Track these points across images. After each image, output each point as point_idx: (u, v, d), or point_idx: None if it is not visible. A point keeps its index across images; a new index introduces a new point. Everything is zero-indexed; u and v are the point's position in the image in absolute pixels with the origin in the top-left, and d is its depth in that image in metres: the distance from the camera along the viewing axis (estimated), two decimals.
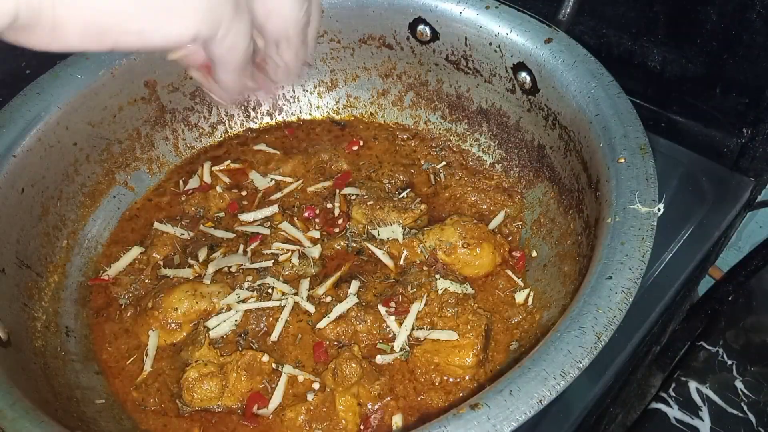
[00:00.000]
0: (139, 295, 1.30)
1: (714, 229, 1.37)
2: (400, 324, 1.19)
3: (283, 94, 1.61)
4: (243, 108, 1.60)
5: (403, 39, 1.48)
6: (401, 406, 1.14)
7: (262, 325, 1.21)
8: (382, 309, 1.21)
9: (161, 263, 1.34)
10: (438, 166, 1.50)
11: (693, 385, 1.27)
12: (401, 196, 1.40)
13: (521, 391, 0.83)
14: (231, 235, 1.37)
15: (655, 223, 0.99)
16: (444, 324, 1.18)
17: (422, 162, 1.52)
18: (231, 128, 1.60)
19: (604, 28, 1.51)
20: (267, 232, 1.36)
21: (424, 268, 1.27)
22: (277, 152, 1.56)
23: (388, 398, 1.14)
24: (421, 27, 1.43)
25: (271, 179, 1.47)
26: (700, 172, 1.46)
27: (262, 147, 1.57)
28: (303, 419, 1.10)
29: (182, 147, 1.55)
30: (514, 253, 1.32)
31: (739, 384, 1.26)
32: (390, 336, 1.20)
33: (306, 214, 1.39)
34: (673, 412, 1.24)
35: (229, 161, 1.52)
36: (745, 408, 1.23)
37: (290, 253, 1.31)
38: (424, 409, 1.14)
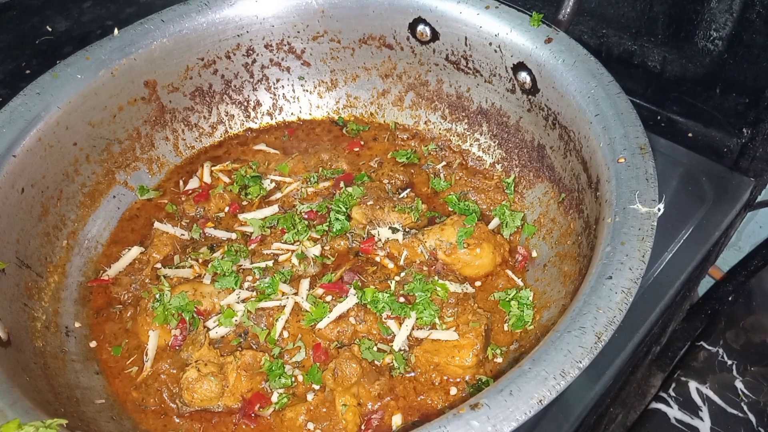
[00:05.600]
0: (139, 295, 1.30)
1: (714, 229, 1.37)
2: (400, 324, 1.19)
3: (283, 94, 1.61)
4: (243, 108, 1.60)
5: (403, 39, 1.48)
6: (401, 406, 1.14)
7: (262, 325, 1.22)
8: None
9: (161, 263, 1.34)
10: (438, 166, 1.50)
11: (693, 385, 1.27)
12: (401, 196, 1.40)
13: (521, 391, 0.83)
14: (231, 235, 1.37)
15: (655, 223, 0.99)
16: (444, 324, 1.19)
17: (422, 162, 1.52)
18: (231, 128, 1.60)
19: (604, 28, 1.51)
20: (267, 232, 1.36)
21: (424, 268, 1.27)
22: (277, 152, 1.56)
23: (388, 398, 1.14)
24: (421, 27, 1.44)
25: (271, 180, 1.47)
26: (700, 172, 1.46)
27: (262, 147, 1.57)
28: (303, 419, 1.10)
29: (182, 147, 1.55)
30: (518, 253, 1.32)
31: (739, 384, 1.26)
32: (390, 336, 1.20)
33: (306, 215, 1.39)
34: (673, 412, 1.24)
35: (229, 161, 1.52)
36: (745, 408, 1.23)
37: (290, 253, 1.31)
38: (424, 409, 1.14)
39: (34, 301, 1.23)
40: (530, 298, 1.23)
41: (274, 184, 1.47)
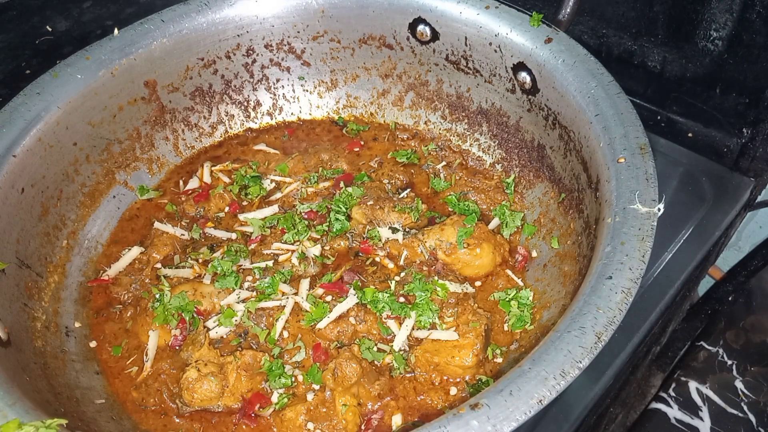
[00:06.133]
0: (139, 295, 1.30)
1: (714, 229, 1.37)
2: (400, 324, 1.19)
3: (283, 94, 1.61)
4: (243, 108, 1.60)
5: (403, 39, 1.48)
6: (401, 406, 1.14)
7: (262, 325, 1.21)
8: None
9: (161, 263, 1.34)
10: (438, 166, 1.50)
11: (693, 385, 1.27)
12: (401, 196, 1.40)
13: (521, 391, 0.83)
14: (231, 235, 1.37)
15: (655, 223, 0.99)
16: (444, 324, 1.19)
17: (422, 162, 1.52)
18: (231, 128, 1.60)
19: (604, 28, 1.51)
20: (267, 232, 1.36)
21: (424, 268, 1.27)
22: (277, 152, 1.56)
23: (388, 398, 1.14)
24: (421, 27, 1.44)
25: (271, 180, 1.47)
26: (700, 172, 1.46)
27: (262, 147, 1.57)
28: (303, 419, 1.10)
29: (182, 147, 1.55)
30: (518, 253, 1.32)
31: (739, 384, 1.26)
32: (390, 336, 1.20)
33: (306, 215, 1.39)
34: (673, 412, 1.24)
35: (229, 162, 1.52)
36: (745, 408, 1.23)
37: (290, 253, 1.31)
38: (424, 409, 1.14)
39: (34, 301, 1.23)
40: (530, 298, 1.23)
41: (274, 184, 1.47)
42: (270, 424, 1.13)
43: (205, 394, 1.11)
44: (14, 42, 1.82)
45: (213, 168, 1.51)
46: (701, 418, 1.22)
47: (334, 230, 1.34)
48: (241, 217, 1.40)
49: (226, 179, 1.49)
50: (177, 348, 1.21)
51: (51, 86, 1.30)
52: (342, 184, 1.42)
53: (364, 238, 1.33)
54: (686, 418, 1.23)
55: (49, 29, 1.85)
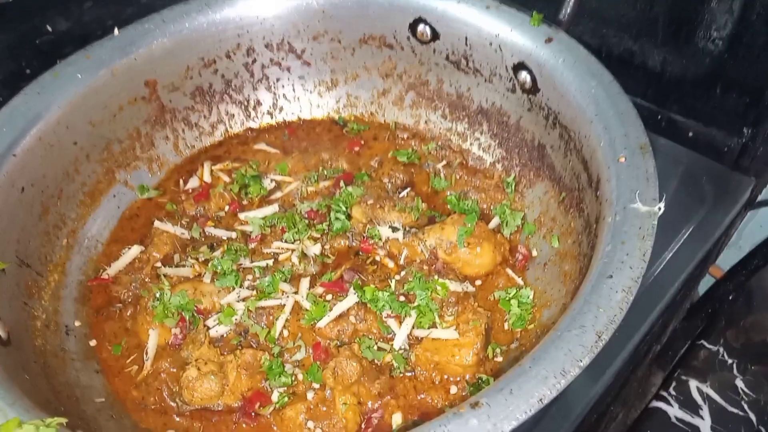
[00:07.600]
0: (139, 293, 1.30)
1: (714, 228, 1.37)
2: (400, 323, 1.19)
3: (284, 93, 1.61)
4: (243, 107, 1.60)
5: (403, 39, 1.48)
6: (401, 405, 1.14)
7: (262, 323, 1.21)
8: None
9: (161, 262, 1.34)
10: (438, 166, 1.50)
11: (693, 383, 1.27)
12: (401, 195, 1.40)
13: (521, 390, 0.83)
14: (231, 234, 1.37)
15: (656, 222, 0.99)
16: (444, 323, 1.19)
17: (422, 161, 1.52)
18: (231, 127, 1.60)
19: (604, 28, 1.51)
20: (267, 231, 1.36)
21: (425, 267, 1.27)
22: (278, 152, 1.56)
23: (388, 397, 1.14)
24: (421, 27, 1.44)
25: (271, 179, 1.47)
26: (700, 171, 1.46)
27: (262, 146, 1.57)
28: (303, 418, 1.10)
29: (182, 146, 1.55)
30: (519, 252, 1.32)
31: (739, 383, 1.27)
32: (390, 335, 1.20)
33: (306, 214, 1.39)
34: (674, 411, 1.24)
35: (229, 161, 1.52)
36: (745, 407, 1.23)
37: (290, 252, 1.31)
38: (424, 408, 1.14)
39: (34, 300, 1.23)
40: (530, 297, 1.23)
41: (274, 184, 1.47)
42: (270, 422, 1.13)
43: (205, 392, 1.11)
44: (14, 42, 1.82)
45: (213, 167, 1.51)
46: (702, 417, 1.22)
47: (335, 229, 1.34)
48: (242, 216, 1.40)
49: (227, 178, 1.49)
50: (177, 347, 1.21)
51: (51, 86, 1.30)
52: (342, 183, 1.42)
53: (364, 237, 1.33)
54: (687, 417, 1.23)
55: (50, 29, 1.85)
